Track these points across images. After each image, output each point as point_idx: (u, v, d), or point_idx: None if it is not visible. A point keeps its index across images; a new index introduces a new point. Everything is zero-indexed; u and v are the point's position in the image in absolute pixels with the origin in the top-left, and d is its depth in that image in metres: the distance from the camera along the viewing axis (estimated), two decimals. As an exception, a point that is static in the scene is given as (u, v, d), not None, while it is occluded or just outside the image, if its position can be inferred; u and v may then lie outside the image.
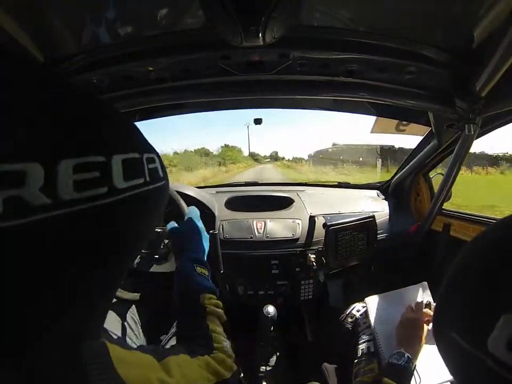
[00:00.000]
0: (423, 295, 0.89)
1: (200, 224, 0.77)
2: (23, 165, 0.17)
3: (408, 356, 0.68)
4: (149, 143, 0.29)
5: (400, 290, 0.92)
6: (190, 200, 1.13)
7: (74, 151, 0.19)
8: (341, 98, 0.83)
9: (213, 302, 0.59)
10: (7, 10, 0.51)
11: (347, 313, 0.98)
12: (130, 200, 0.23)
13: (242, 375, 1.11)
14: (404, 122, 1.14)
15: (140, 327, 0.98)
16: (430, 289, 0.91)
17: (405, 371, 0.66)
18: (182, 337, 0.53)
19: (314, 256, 1.09)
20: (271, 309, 1.04)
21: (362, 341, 0.85)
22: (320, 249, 1.12)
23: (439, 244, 1.23)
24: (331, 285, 1.34)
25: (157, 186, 0.27)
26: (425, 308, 0.81)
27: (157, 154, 0.29)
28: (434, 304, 0.81)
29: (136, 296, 0.93)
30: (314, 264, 1.07)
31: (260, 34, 0.54)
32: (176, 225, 0.78)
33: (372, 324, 0.84)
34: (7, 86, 0.18)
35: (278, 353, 1.18)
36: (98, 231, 0.21)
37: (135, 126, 0.28)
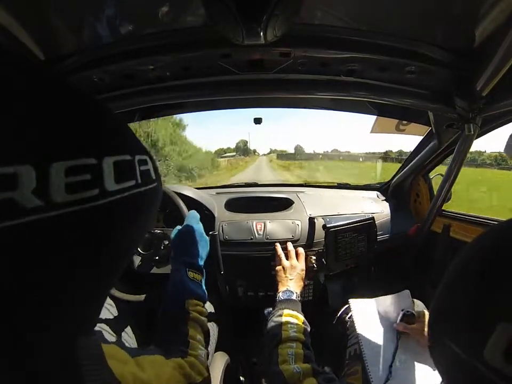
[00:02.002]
0: (404, 303, 0.88)
1: (199, 227, 0.77)
2: (15, 168, 0.17)
3: None
4: (141, 145, 0.29)
5: (385, 297, 0.91)
6: (189, 201, 1.13)
7: (66, 154, 0.19)
8: (341, 97, 0.83)
9: (197, 309, 0.59)
10: (7, 9, 0.50)
11: (338, 315, 0.98)
12: (122, 202, 0.23)
13: (242, 375, 1.11)
14: (404, 122, 1.14)
15: (131, 328, 0.98)
16: (429, 290, 0.91)
17: None
18: (161, 338, 0.53)
19: (314, 257, 1.09)
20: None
21: (350, 343, 0.85)
22: (321, 250, 1.11)
23: (439, 245, 1.23)
24: (331, 286, 1.34)
25: (148, 188, 0.27)
26: (404, 317, 0.81)
27: (150, 156, 0.29)
28: (417, 311, 0.81)
29: (140, 297, 0.93)
30: (315, 265, 1.06)
31: (261, 33, 0.54)
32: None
33: (356, 326, 0.84)
34: None
35: None
36: (89, 233, 0.21)
37: (128, 127, 0.28)
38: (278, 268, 0.95)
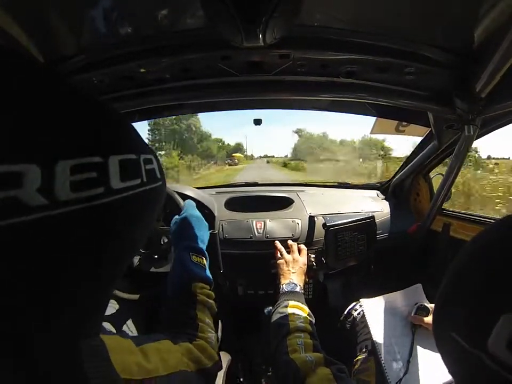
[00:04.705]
0: (417, 297, 0.89)
1: (196, 212, 0.77)
2: (20, 166, 0.17)
3: None
4: (146, 144, 0.29)
5: (395, 293, 0.92)
6: None
7: (72, 152, 0.20)
8: (340, 99, 0.83)
9: (205, 292, 0.58)
10: (7, 11, 0.50)
11: (346, 313, 0.99)
12: (127, 201, 0.23)
13: (241, 376, 1.12)
14: (404, 123, 1.14)
15: (134, 326, 0.99)
16: (429, 289, 0.92)
17: None
18: (168, 323, 0.52)
19: (314, 256, 1.09)
20: (271, 309, 1.04)
21: (361, 340, 0.85)
22: (320, 249, 1.12)
23: (439, 244, 1.23)
24: (331, 285, 1.34)
25: (153, 187, 0.27)
26: (418, 311, 0.82)
27: (154, 155, 0.29)
28: (430, 305, 0.82)
29: (135, 297, 0.93)
30: (315, 264, 1.07)
31: (260, 35, 0.54)
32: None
33: (368, 324, 0.85)
34: (5, 86, 0.18)
35: None
36: (94, 231, 0.21)
37: (133, 127, 0.28)
38: (280, 261, 0.95)
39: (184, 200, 1.02)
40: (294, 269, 0.91)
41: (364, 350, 0.82)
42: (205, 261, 0.66)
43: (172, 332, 0.47)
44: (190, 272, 0.60)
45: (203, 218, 0.77)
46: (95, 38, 0.62)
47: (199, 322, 0.52)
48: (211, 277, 0.64)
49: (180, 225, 0.73)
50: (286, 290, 0.82)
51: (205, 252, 0.68)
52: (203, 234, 0.73)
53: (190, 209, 0.77)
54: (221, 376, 0.87)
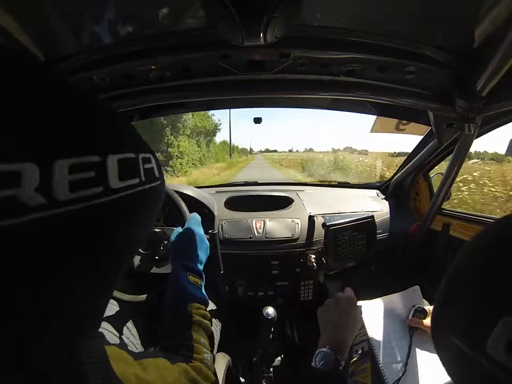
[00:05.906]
0: (415, 300, 0.89)
1: (200, 231, 0.76)
2: (18, 165, 0.17)
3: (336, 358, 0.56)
4: (145, 143, 0.29)
5: (392, 295, 0.92)
6: (189, 200, 1.13)
7: (70, 151, 0.19)
8: (341, 97, 0.83)
9: (200, 312, 0.59)
10: (7, 10, 0.50)
11: None
12: (126, 200, 0.23)
13: (241, 377, 1.12)
14: (404, 122, 1.14)
15: (135, 328, 0.98)
16: (429, 289, 0.91)
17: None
18: (164, 343, 0.53)
19: (314, 256, 1.09)
20: (270, 311, 1.04)
21: (358, 341, 0.85)
22: (320, 249, 1.11)
23: (439, 244, 1.23)
24: (331, 285, 1.34)
25: (152, 186, 0.27)
26: (416, 313, 0.81)
27: (153, 154, 0.29)
28: (427, 307, 0.81)
29: (137, 298, 0.93)
30: (315, 264, 1.07)
31: (261, 34, 0.54)
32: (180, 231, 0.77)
33: (366, 326, 0.84)
34: (3, 84, 0.18)
35: (277, 354, 1.18)
36: (93, 231, 0.21)
37: (131, 126, 0.28)
38: (322, 308, 0.74)
39: (184, 200, 1.03)
40: (340, 320, 0.66)
41: (360, 352, 0.82)
42: (200, 281, 0.66)
43: (168, 351, 0.47)
44: (186, 292, 0.61)
45: (205, 238, 0.77)
46: (96, 37, 0.62)
47: (194, 343, 0.52)
48: (207, 297, 0.64)
49: (181, 240, 0.73)
50: (317, 365, 0.56)
51: (202, 272, 0.69)
52: (202, 255, 0.73)
53: (195, 225, 0.76)
54: (220, 376, 0.87)
